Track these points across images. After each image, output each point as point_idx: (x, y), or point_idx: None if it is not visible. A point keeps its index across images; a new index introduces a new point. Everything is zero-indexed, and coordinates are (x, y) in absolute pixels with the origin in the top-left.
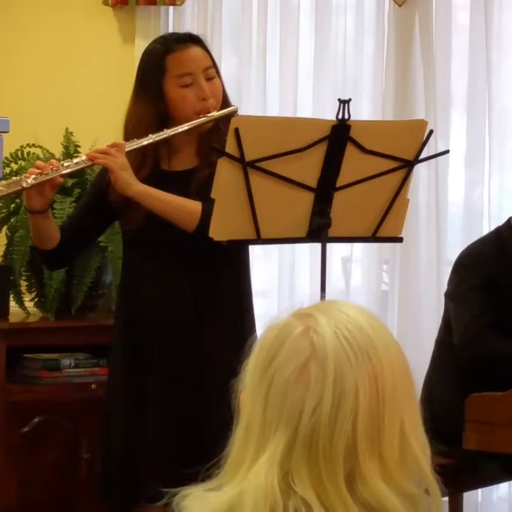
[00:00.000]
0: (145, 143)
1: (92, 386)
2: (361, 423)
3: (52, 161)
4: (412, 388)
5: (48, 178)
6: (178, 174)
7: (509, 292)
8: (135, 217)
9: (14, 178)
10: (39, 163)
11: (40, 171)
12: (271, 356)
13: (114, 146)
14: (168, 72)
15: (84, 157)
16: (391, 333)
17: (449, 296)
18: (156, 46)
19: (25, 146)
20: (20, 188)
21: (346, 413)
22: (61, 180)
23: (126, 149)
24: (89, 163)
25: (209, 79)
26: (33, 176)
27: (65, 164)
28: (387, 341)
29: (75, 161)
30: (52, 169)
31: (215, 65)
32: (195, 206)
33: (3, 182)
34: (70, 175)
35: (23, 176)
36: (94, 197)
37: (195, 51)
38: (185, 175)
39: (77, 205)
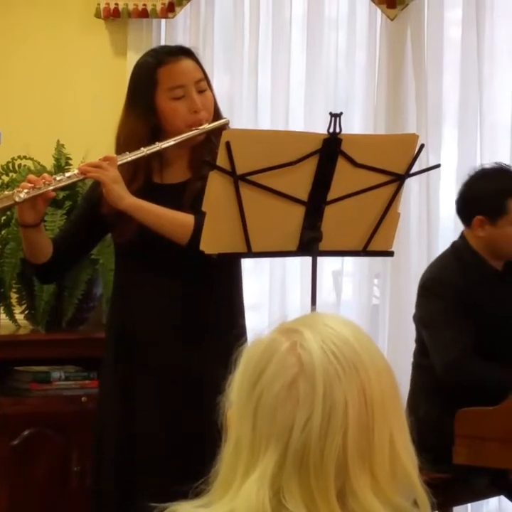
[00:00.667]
0: (137, 156)
1: (83, 399)
2: (351, 437)
3: (45, 175)
4: (399, 399)
5: (40, 192)
6: (170, 187)
7: (475, 308)
8: (127, 230)
9: (6, 192)
10: (31, 177)
11: (32, 185)
12: (258, 373)
13: (106, 159)
14: (159, 85)
15: (76, 171)
16: (376, 345)
17: (420, 321)
18: (148, 59)
19: (16, 158)
20: (12, 202)
21: (337, 428)
22: (53, 194)
23: (118, 163)
24: (82, 176)
25: (200, 91)
26: (25, 191)
27: (58, 178)
28: (373, 353)
29: (67, 174)
30: (44, 183)
31: (206, 78)
32: (187, 219)
33: None
34: (62, 188)
35: (15, 191)
36: (86, 210)
37: (187, 64)
38: (177, 188)
39: (69, 219)
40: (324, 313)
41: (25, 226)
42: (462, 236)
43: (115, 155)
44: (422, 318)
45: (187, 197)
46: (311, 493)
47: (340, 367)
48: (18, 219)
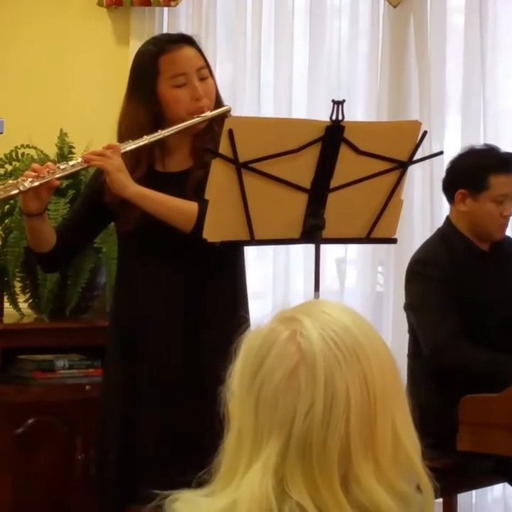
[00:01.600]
0: (140, 144)
1: (87, 387)
2: (354, 424)
3: (49, 163)
4: (401, 386)
5: (44, 180)
6: (172, 175)
7: (461, 289)
8: (131, 218)
9: (10, 181)
10: (35, 166)
11: (36, 173)
12: (258, 363)
13: (109, 147)
14: (161, 73)
15: (79, 159)
16: (377, 331)
17: (408, 307)
18: (149, 47)
19: (19, 147)
20: (17, 191)
21: (339, 416)
22: (57, 182)
23: (122, 151)
24: (85, 165)
25: (202, 79)
26: (29, 179)
27: (61, 167)
28: (373, 339)
29: (70, 163)
30: (48, 172)
31: (208, 66)
32: (191, 207)
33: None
34: (66, 177)
35: (19, 179)
36: (89, 199)
37: (188, 51)
38: (180, 176)
39: (72, 208)
40: (323, 301)
41: (29, 215)
42: (447, 219)
43: (118, 143)
44: (409, 304)
45: (190, 185)
46: (315, 481)
47: (340, 354)
48: (22, 208)
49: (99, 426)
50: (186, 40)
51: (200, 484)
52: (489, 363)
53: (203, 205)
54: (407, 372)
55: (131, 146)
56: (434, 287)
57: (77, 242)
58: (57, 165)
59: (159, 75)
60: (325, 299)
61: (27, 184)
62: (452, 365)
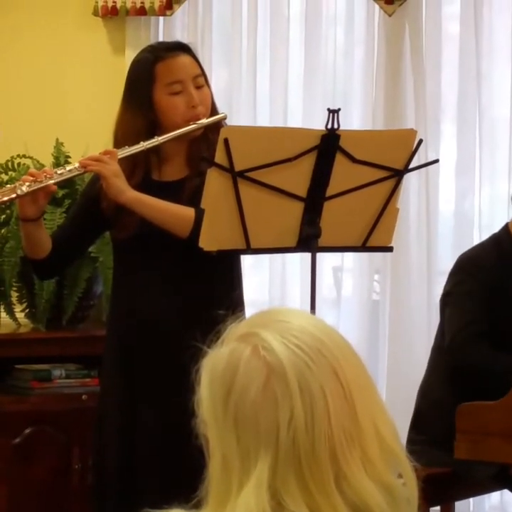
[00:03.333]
0: (137, 150)
1: (83, 397)
2: (335, 420)
3: (46, 168)
4: (368, 373)
5: (41, 185)
6: (168, 185)
7: (502, 295)
8: (128, 225)
9: (8, 185)
10: (33, 170)
11: (33, 178)
12: (227, 386)
13: (106, 153)
14: (157, 81)
15: (76, 164)
16: (332, 326)
17: (444, 298)
18: (145, 55)
19: (15, 156)
20: (14, 195)
21: (321, 416)
22: (55, 187)
23: (119, 156)
24: (82, 170)
25: (198, 87)
26: (27, 184)
27: (59, 172)
28: (331, 334)
29: (68, 168)
30: (45, 177)
31: (203, 74)
32: (188, 212)
33: None
34: (62, 184)
35: (17, 184)
36: (84, 206)
37: (185, 59)
38: (175, 185)
39: (68, 215)
40: (273, 309)
41: (25, 220)
42: (506, 226)
43: (115, 149)
44: (446, 295)
45: (185, 194)
46: (308, 488)
47: (307, 357)
48: (19, 213)
49: (97, 435)
50: (183, 48)
51: (195, 505)
52: (509, 368)
53: (200, 210)
54: (427, 365)
55: (127, 151)
56: (475, 288)
57: (72, 249)
58: (55, 170)
59: (155, 83)
60: (276, 306)
61: (24, 188)
62: (470, 362)
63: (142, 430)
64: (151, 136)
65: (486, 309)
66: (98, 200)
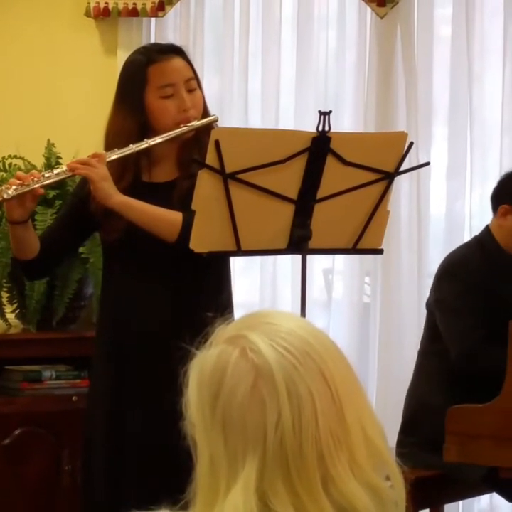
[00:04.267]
0: (126, 153)
1: (73, 398)
2: (322, 422)
3: (34, 171)
4: (356, 375)
5: (28, 189)
6: (159, 186)
7: (494, 298)
8: (115, 228)
9: None
10: (20, 174)
11: (20, 182)
12: (215, 389)
13: (94, 156)
14: (149, 83)
15: (64, 168)
16: (319, 328)
17: (437, 305)
18: (138, 57)
19: (6, 157)
20: (0, 198)
21: (308, 418)
22: (42, 191)
23: (107, 159)
24: (70, 173)
25: (190, 90)
26: (13, 187)
27: (46, 175)
28: (319, 336)
29: (55, 171)
30: (32, 180)
31: (196, 77)
32: (175, 217)
33: None
34: (51, 186)
35: (3, 187)
36: (74, 207)
37: (177, 62)
38: (166, 186)
39: (57, 216)
40: (261, 312)
41: (13, 223)
42: (487, 228)
43: (104, 152)
44: (440, 302)
45: (176, 196)
46: (296, 490)
47: (294, 358)
48: (6, 215)
49: (85, 437)
50: (176, 51)
51: (183, 507)
52: None
53: (188, 215)
54: (414, 369)
55: (116, 155)
56: (469, 291)
57: (60, 250)
58: (42, 173)
59: (147, 85)
60: (264, 308)
61: (11, 192)
62: (484, 368)
63: (130, 431)
64: (142, 139)
65: (480, 309)
66: (87, 201)
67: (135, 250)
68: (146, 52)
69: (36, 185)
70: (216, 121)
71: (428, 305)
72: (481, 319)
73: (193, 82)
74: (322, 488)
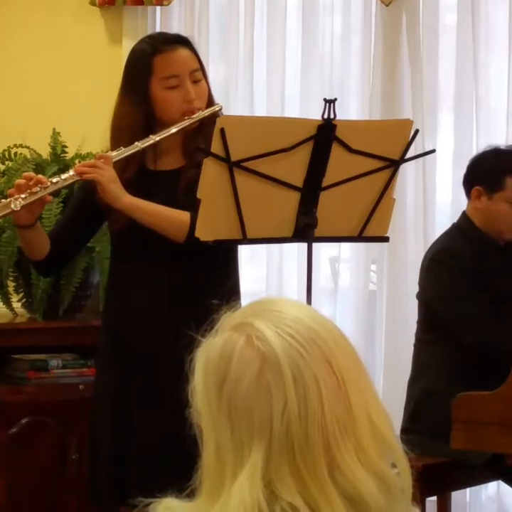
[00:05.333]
0: (132, 151)
1: (80, 387)
2: (328, 409)
3: (40, 177)
4: (362, 365)
5: (36, 197)
6: (164, 174)
7: (482, 280)
8: (120, 217)
9: (3, 200)
10: (27, 175)
11: (27, 187)
12: (221, 376)
13: (100, 157)
14: (154, 73)
15: (72, 172)
16: (325, 316)
17: (436, 297)
18: (144, 46)
19: (12, 146)
20: (9, 210)
21: (314, 405)
22: (50, 198)
23: (114, 160)
24: (78, 177)
25: (195, 81)
26: (22, 196)
27: (54, 180)
28: (325, 324)
29: (63, 177)
30: (40, 187)
31: (202, 68)
32: (184, 217)
33: None
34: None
35: (12, 198)
36: (81, 200)
37: (183, 53)
38: (171, 175)
39: (66, 211)
40: (268, 299)
41: (20, 227)
42: (464, 213)
43: (110, 153)
44: (433, 292)
45: (181, 184)
46: (302, 477)
47: (300, 346)
48: (13, 221)
49: (92, 426)
50: (182, 42)
51: (188, 495)
52: None
53: (195, 215)
54: (412, 359)
55: (123, 154)
56: (460, 276)
57: (71, 245)
58: (50, 179)
59: (152, 75)
60: (270, 296)
61: (19, 203)
62: (498, 350)
63: (136, 420)
64: (148, 128)
65: (480, 288)
66: (94, 192)
67: (141, 239)
68: (152, 42)
69: (45, 193)
70: (220, 109)
71: (418, 298)
72: (484, 298)
73: (199, 74)
74: (328, 475)
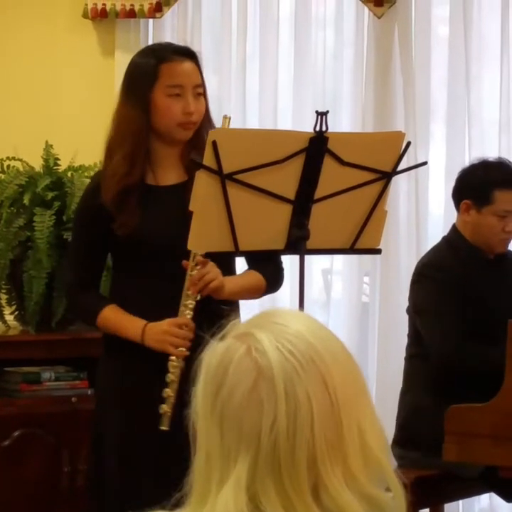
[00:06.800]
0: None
1: (73, 399)
2: (318, 429)
3: (188, 322)
4: (364, 384)
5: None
6: (168, 189)
7: (472, 294)
8: (127, 223)
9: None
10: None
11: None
12: (218, 383)
13: (198, 264)
14: (159, 80)
15: (191, 299)
16: (332, 333)
17: (414, 308)
18: (153, 51)
19: (4, 159)
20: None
21: (303, 424)
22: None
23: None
24: (199, 294)
25: (196, 96)
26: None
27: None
28: (329, 342)
29: (187, 302)
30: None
31: (203, 84)
32: (263, 284)
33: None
34: (51, 186)
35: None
36: (91, 232)
37: (189, 66)
38: (175, 189)
39: (79, 240)
40: (276, 310)
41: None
42: (454, 226)
43: (199, 257)
44: (416, 305)
45: (188, 198)
46: (287, 493)
47: (297, 362)
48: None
49: (96, 438)
50: (190, 55)
51: (177, 505)
52: (495, 363)
53: (269, 276)
54: (403, 374)
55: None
56: (443, 291)
57: (100, 271)
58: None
59: (157, 82)
60: (279, 307)
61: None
62: (465, 368)
63: (143, 432)
64: (147, 135)
65: (459, 307)
66: (101, 210)
67: (143, 252)
68: (161, 50)
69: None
70: (229, 119)
71: (408, 312)
72: (460, 318)
73: (200, 89)
74: (311, 495)
